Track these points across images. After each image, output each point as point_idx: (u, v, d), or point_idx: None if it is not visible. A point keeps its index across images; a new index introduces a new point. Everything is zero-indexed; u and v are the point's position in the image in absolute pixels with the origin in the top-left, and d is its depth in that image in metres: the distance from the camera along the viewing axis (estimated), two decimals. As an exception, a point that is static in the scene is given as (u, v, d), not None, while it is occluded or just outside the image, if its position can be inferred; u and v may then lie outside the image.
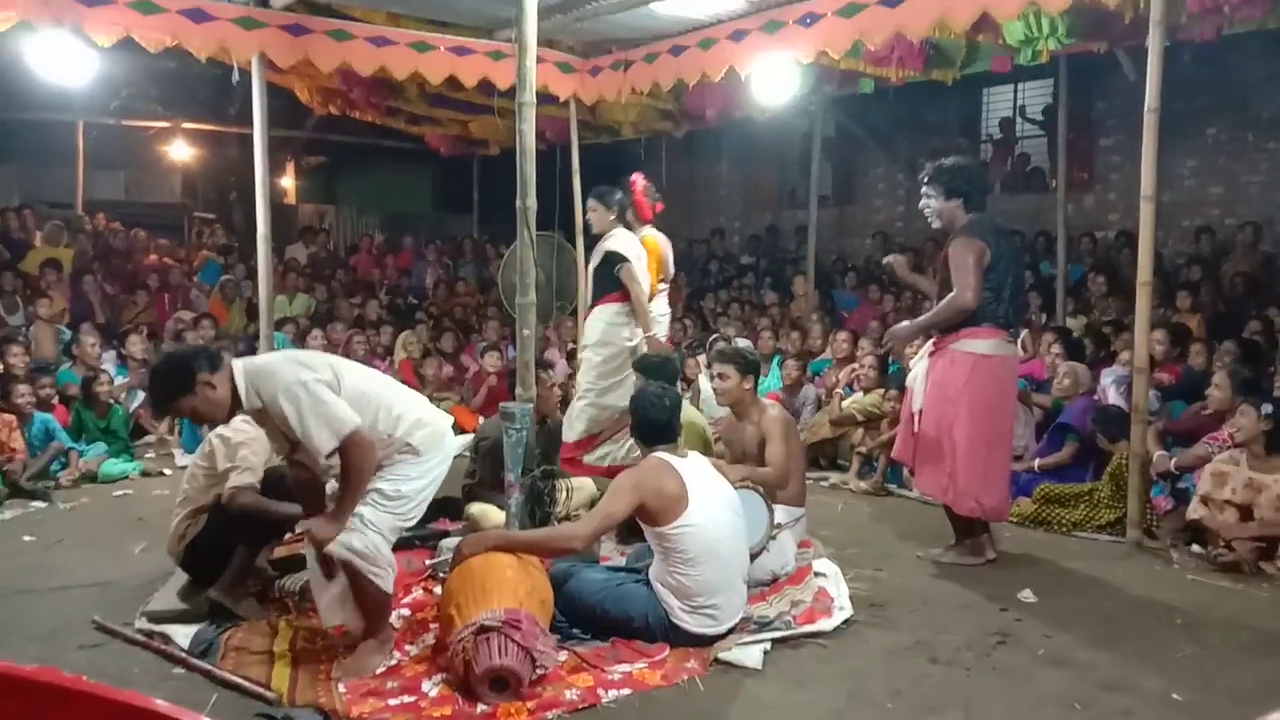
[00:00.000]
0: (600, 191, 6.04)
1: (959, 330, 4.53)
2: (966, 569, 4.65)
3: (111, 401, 7.09)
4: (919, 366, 4.77)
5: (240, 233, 12.26)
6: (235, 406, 3.27)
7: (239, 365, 3.29)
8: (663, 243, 6.18)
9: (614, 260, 5.76)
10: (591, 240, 6.35)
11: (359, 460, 3.20)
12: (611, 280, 5.77)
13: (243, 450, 4.00)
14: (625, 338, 5.82)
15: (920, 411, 4.67)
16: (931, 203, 4.70)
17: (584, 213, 6.18)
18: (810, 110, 9.98)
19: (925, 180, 4.72)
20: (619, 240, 5.84)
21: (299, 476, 3.56)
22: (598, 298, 5.89)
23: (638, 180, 6.18)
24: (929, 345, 4.78)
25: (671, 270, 6.32)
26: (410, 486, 3.38)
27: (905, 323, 4.98)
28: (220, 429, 4.08)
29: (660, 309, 6.15)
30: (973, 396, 4.51)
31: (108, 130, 12.61)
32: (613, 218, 5.93)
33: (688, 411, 5.20)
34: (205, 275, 10.92)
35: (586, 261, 6.58)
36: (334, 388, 3.25)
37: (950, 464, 4.56)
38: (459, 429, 6.94)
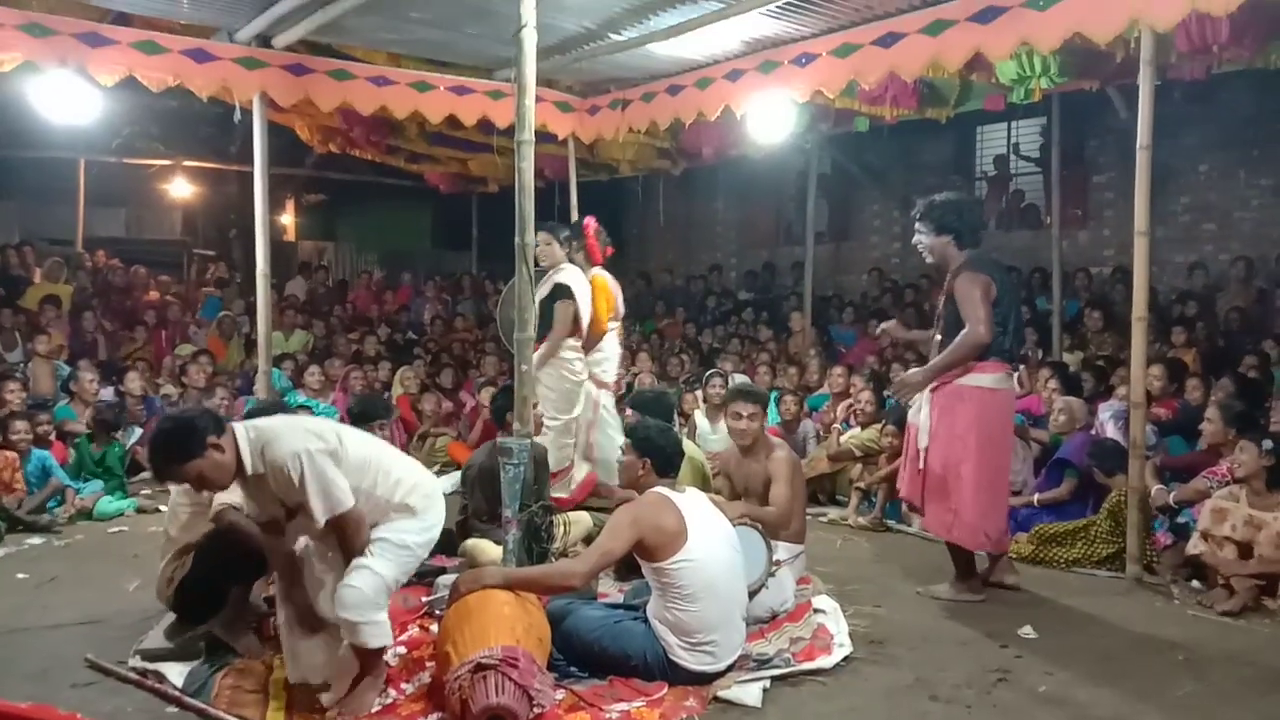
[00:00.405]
0: (551, 225, 6.02)
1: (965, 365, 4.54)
2: (967, 605, 4.62)
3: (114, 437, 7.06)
4: (921, 403, 4.75)
5: (240, 269, 12.31)
6: (240, 471, 3.26)
7: (240, 429, 3.29)
8: (612, 283, 6.27)
9: (560, 293, 5.77)
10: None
11: (351, 534, 3.28)
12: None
13: None
14: (577, 371, 5.83)
15: (925, 449, 4.64)
16: (923, 239, 4.75)
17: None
18: (806, 148, 10.07)
19: (917, 217, 4.78)
20: (569, 274, 5.87)
21: (275, 546, 3.55)
22: (545, 330, 5.80)
23: (590, 223, 6.25)
24: None
25: (622, 309, 6.42)
26: (413, 539, 3.44)
27: (915, 370, 4.80)
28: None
29: (611, 348, 6.18)
30: (980, 431, 4.52)
31: (109, 168, 12.71)
32: (563, 253, 5.97)
33: (686, 446, 5.19)
34: (205, 311, 10.95)
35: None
36: (337, 456, 3.30)
37: (956, 500, 4.56)
38: (456, 464, 6.92)
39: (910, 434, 4.83)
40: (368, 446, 3.50)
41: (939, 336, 4.72)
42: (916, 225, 4.77)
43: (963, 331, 4.46)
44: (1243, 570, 4.59)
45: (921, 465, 4.66)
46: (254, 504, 3.48)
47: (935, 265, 4.90)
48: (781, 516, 4.49)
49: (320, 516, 3.21)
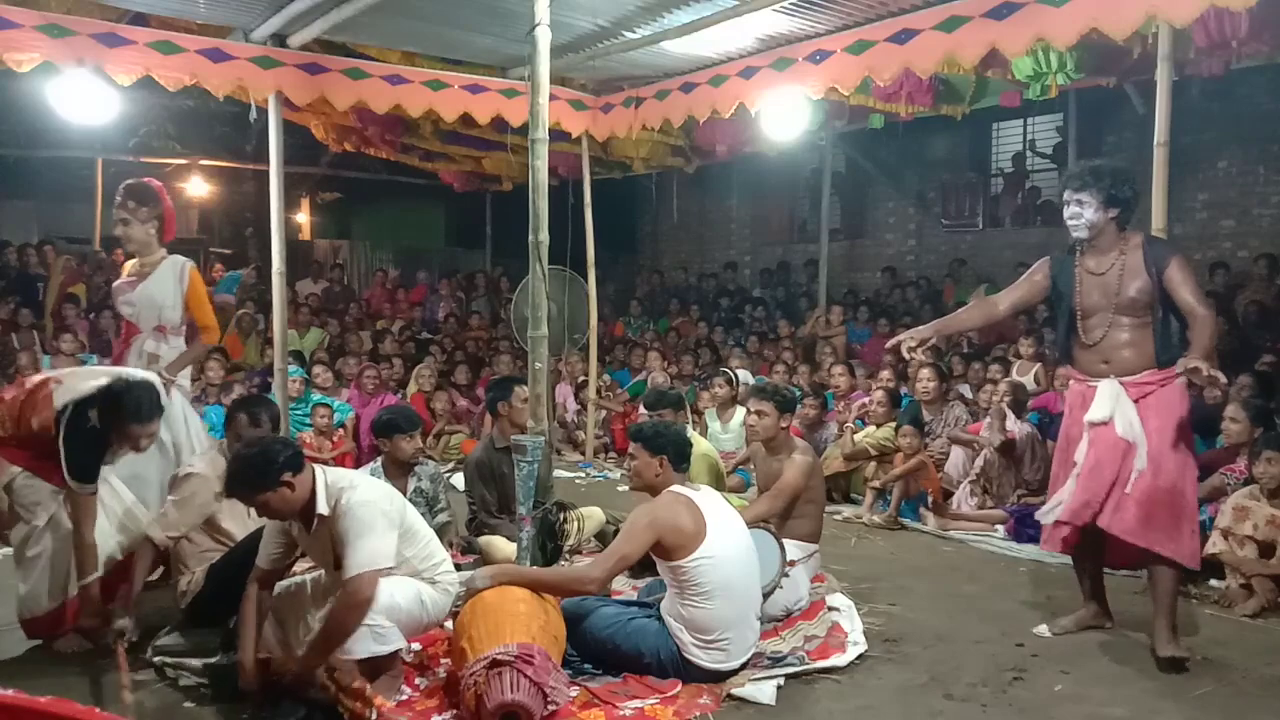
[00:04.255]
0: (141, 192, 4.97)
1: (1175, 362, 3.76)
2: (982, 602, 4.60)
3: None
4: (1127, 411, 3.80)
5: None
6: (309, 509, 3.32)
7: (320, 472, 3.39)
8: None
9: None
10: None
11: (349, 603, 3.17)
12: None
13: (188, 488, 4.02)
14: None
15: (1148, 465, 3.77)
16: (1086, 212, 3.88)
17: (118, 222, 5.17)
18: (820, 145, 10.06)
19: (1075, 186, 3.89)
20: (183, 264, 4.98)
21: (254, 595, 3.50)
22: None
23: (163, 190, 5.31)
24: (1114, 385, 3.84)
25: None
26: (427, 594, 3.47)
27: (1210, 375, 3.52)
28: (193, 461, 4.21)
29: (179, 345, 5.13)
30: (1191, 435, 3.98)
31: (126, 167, 12.78)
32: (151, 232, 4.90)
33: (700, 443, 5.19)
34: (223, 286, 10.98)
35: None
36: (394, 522, 3.38)
37: (1192, 519, 3.89)
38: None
39: (1108, 450, 3.83)
40: (419, 522, 3.64)
41: (1125, 331, 3.87)
42: (1076, 195, 3.89)
43: (1205, 318, 3.72)
44: (1264, 570, 4.55)
45: (1130, 489, 3.79)
46: (279, 546, 3.49)
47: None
48: (751, 519, 4.30)
49: (351, 568, 3.18)
